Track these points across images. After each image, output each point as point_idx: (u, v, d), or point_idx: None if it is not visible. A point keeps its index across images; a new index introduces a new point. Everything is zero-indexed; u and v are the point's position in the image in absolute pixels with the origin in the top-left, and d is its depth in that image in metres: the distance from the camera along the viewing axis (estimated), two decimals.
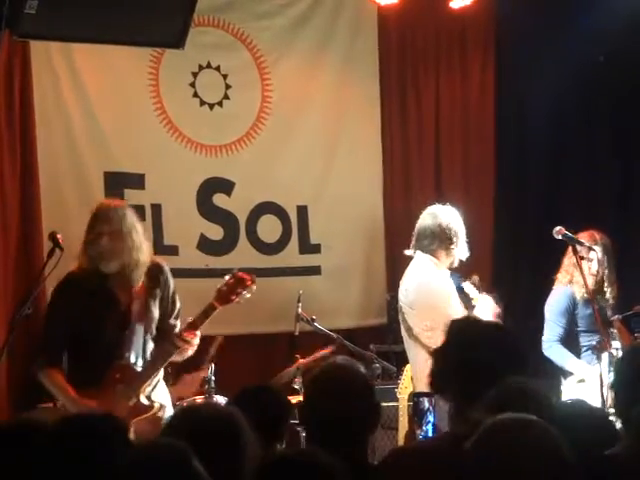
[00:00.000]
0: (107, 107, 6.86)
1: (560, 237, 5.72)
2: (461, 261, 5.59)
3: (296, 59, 7.45)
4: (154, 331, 5.00)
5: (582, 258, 5.78)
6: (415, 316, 5.37)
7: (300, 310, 6.21)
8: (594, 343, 5.95)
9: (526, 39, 7.73)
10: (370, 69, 7.69)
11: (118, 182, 6.79)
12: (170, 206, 6.96)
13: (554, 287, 6.19)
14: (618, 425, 3.22)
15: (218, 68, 7.23)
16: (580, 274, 5.76)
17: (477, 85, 7.99)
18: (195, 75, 7.15)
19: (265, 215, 7.34)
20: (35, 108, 6.58)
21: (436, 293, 5.35)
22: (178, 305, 5.11)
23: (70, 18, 5.30)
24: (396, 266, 7.01)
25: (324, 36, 7.54)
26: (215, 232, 7.20)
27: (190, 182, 7.14)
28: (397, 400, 5.91)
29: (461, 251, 5.50)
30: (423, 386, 5.19)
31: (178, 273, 5.45)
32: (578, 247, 5.76)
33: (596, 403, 5.07)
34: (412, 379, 5.66)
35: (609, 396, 5.03)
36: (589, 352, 6.01)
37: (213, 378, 5.55)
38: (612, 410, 3.57)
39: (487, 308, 5.53)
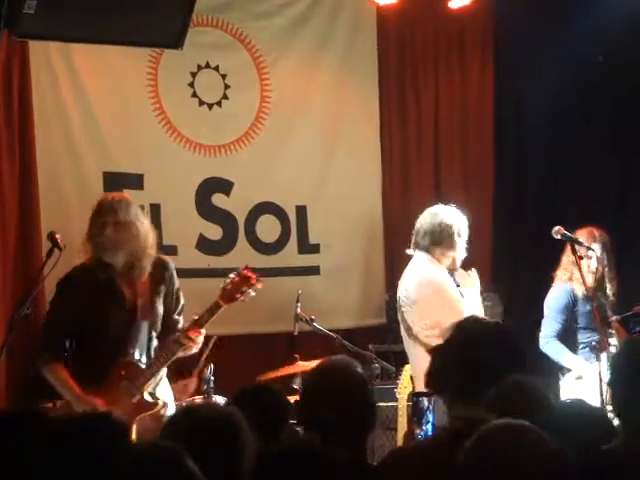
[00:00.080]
0: (106, 107, 6.86)
1: (559, 237, 5.74)
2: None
3: (295, 59, 7.45)
4: (159, 328, 5.01)
5: (581, 257, 5.79)
6: (415, 314, 5.36)
7: (299, 310, 6.21)
8: (593, 341, 5.96)
9: (525, 39, 7.74)
10: (369, 69, 7.69)
11: (117, 182, 6.78)
12: (169, 206, 6.95)
13: (554, 284, 6.20)
14: (616, 422, 3.22)
15: (217, 68, 7.23)
16: (579, 272, 5.76)
17: (476, 85, 7.99)
18: (194, 75, 7.15)
19: (264, 215, 7.34)
20: (34, 108, 6.58)
21: (436, 290, 5.35)
22: (182, 302, 5.12)
23: (69, 18, 5.30)
24: (395, 266, 7.01)
25: (323, 36, 7.54)
26: (214, 232, 7.20)
27: (189, 182, 7.14)
28: (396, 400, 5.91)
29: (460, 252, 5.49)
30: (423, 386, 5.21)
31: (177, 273, 5.44)
32: (577, 246, 5.77)
33: (594, 400, 5.08)
34: (411, 379, 5.65)
35: (607, 393, 5.03)
36: (587, 349, 6.02)
37: (212, 378, 5.55)
38: (610, 407, 3.58)
39: (474, 297, 5.53)
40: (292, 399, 4.25)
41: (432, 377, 3.36)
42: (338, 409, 3.08)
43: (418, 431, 3.49)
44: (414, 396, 3.57)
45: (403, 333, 5.51)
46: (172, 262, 5.14)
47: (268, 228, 7.36)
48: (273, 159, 7.39)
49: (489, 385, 3.03)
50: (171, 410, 4.84)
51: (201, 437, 2.65)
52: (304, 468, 2.44)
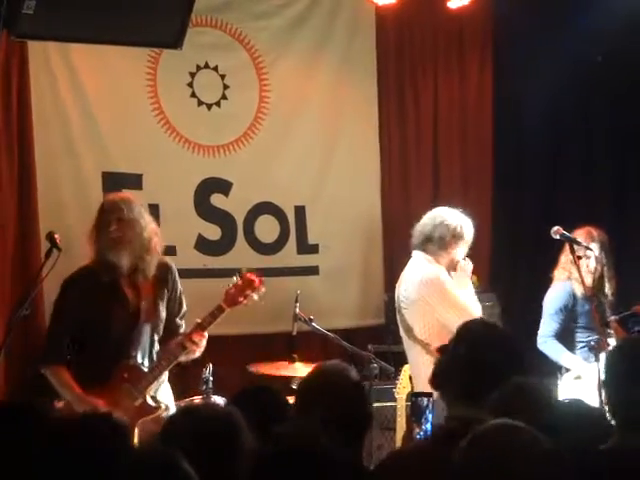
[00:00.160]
0: (105, 107, 6.85)
1: (558, 237, 5.74)
2: None
3: (294, 59, 7.45)
4: (161, 331, 5.00)
5: (580, 257, 5.79)
6: (416, 313, 5.35)
7: (298, 310, 6.20)
8: (591, 341, 5.96)
9: (524, 39, 7.74)
10: (368, 69, 7.69)
11: (116, 182, 6.78)
12: (168, 206, 6.95)
13: (553, 283, 6.19)
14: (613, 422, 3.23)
15: (216, 68, 7.23)
16: (578, 272, 5.76)
17: (475, 85, 8.00)
18: (193, 75, 7.15)
19: (263, 215, 7.34)
20: (33, 108, 6.57)
21: (437, 288, 5.33)
22: (184, 306, 5.12)
23: (68, 18, 5.30)
24: (394, 266, 7.01)
25: (322, 36, 7.54)
26: (213, 232, 7.20)
27: (188, 182, 7.14)
28: (395, 400, 5.91)
29: (458, 253, 5.47)
30: (423, 386, 5.20)
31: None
32: (575, 246, 5.77)
33: (593, 400, 5.08)
34: (410, 379, 5.65)
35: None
36: (585, 349, 6.02)
37: (211, 378, 5.55)
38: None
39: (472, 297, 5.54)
40: (291, 399, 4.25)
41: (437, 377, 3.37)
42: (333, 413, 3.08)
43: (417, 431, 3.48)
44: (413, 396, 3.56)
45: (403, 334, 5.51)
46: (174, 265, 5.13)
47: (267, 228, 7.36)
48: (272, 159, 7.39)
49: (492, 387, 3.04)
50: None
51: (200, 437, 2.65)
52: (303, 466, 2.44)
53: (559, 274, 6.17)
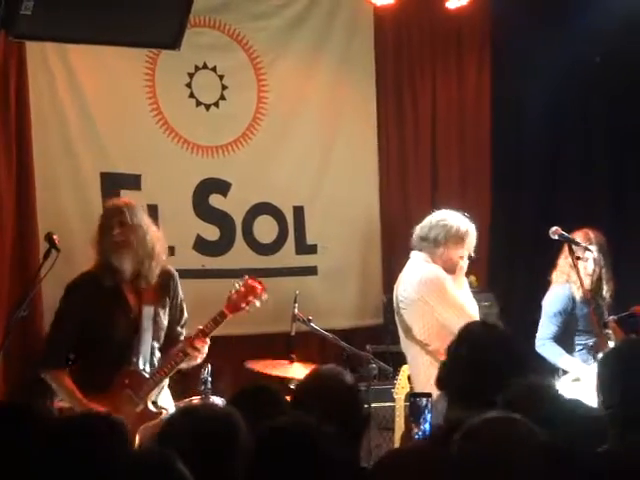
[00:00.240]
0: (103, 108, 6.85)
1: (556, 237, 5.73)
2: None
3: (292, 60, 7.45)
4: (161, 338, 5.00)
5: (578, 258, 5.78)
6: (415, 313, 5.34)
7: (296, 310, 6.20)
8: (590, 343, 5.96)
9: (522, 39, 7.74)
10: (366, 69, 7.69)
11: (114, 183, 6.79)
12: (166, 207, 6.95)
13: (552, 286, 6.19)
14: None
15: (214, 69, 7.23)
16: (577, 275, 5.76)
17: (473, 85, 8.00)
18: (191, 76, 7.15)
19: (261, 216, 7.34)
20: (31, 108, 6.58)
21: (436, 288, 5.31)
22: (185, 314, 5.11)
23: (66, 19, 5.29)
24: (392, 267, 7.00)
25: (320, 37, 7.54)
26: (211, 233, 7.20)
27: (186, 183, 7.14)
28: (393, 400, 5.91)
29: (453, 255, 5.44)
30: (422, 386, 5.20)
31: None
32: (574, 247, 5.77)
33: (592, 402, 5.07)
34: (409, 379, 5.65)
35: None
36: (584, 351, 6.02)
37: (209, 379, 5.54)
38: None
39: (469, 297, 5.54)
40: (290, 399, 4.25)
41: (442, 379, 3.39)
42: (329, 418, 3.08)
43: (416, 431, 3.48)
44: (412, 396, 3.56)
45: (401, 334, 5.50)
46: (177, 272, 5.13)
47: (265, 229, 7.36)
48: (270, 160, 7.39)
49: (493, 388, 3.05)
50: None
51: (200, 437, 2.66)
52: (299, 448, 2.45)
53: (557, 277, 6.16)
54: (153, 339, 4.95)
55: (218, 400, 5.31)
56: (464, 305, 5.32)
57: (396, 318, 5.53)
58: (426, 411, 3.39)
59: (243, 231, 7.28)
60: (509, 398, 2.96)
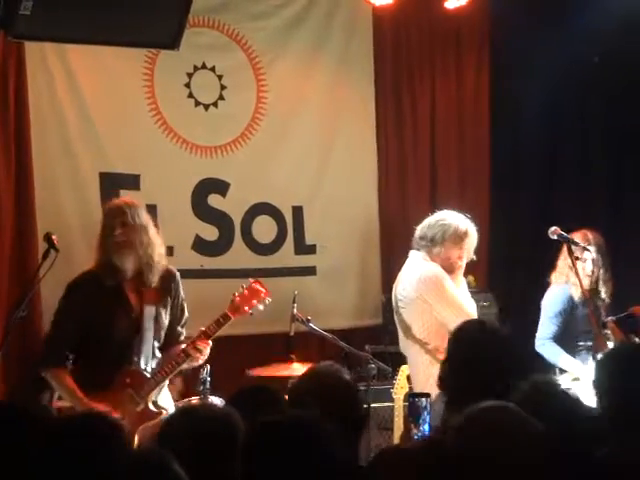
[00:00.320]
0: (102, 108, 6.85)
1: (555, 237, 5.73)
2: None
3: (291, 60, 7.45)
4: (162, 338, 5.00)
5: (577, 258, 5.78)
6: (414, 311, 5.34)
7: (295, 310, 6.20)
8: (589, 344, 5.96)
9: (521, 39, 7.74)
10: (365, 69, 7.70)
11: (113, 183, 6.79)
12: (165, 207, 6.94)
13: (551, 286, 6.19)
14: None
15: (213, 69, 7.23)
16: (576, 275, 5.76)
17: (472, 85, 8.00)
18: (190, 76, 7.15)
19: (260, 216, 7.35)
20: (30, 108, 6.58)
21: (435, 286, 5.31)
22: (186, 314, 5.12)
23: (65, 19, 5.29)
24: (391, 267, 7.00)
25: (319, 37, 7.54)
26: (210, 233, 7.20)
27: (185, 183, 7.15)
28: (392, 401, 5.91)
29: (452, 255, 5.44)
30: (421, 385, 5.21)
31: None
32: (573, 247, 5.77)
33: (590, 401, 5.07)
34: (408, 379, 5.65)
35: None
36: (584, 352, 6.02)
37: (208, 379, 5.54)
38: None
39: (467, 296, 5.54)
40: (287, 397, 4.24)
41: (442, 380, 3.39)
42: (328, 415, 3.08)
43: (415, 431, 3.48)
44: (411, 397, 3.57)
45: (401, 334, 5.50)
46: (178, 272, 5.13)
47: (264, 229, 7.36)
48: (269, 160, 7.40)
49: (489, 388, 3.04)
50: None
51: (199, 438, 2.66)
52: (298, 443, 2.45)
53: (556, 278, 6.16)
54: (154, 339, 4.95)
55: (217, 400, 5.31)
56: (463, 304, 5.32)
57: (395, 317, 5.53)
58: (425, 411, 3.39)
59: (242, 231, 7.28)
60: (518, 399, 2.95)
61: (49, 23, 5.27)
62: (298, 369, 5.76)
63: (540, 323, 6.13)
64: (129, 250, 4.83)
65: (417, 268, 5.40)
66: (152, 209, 6.82)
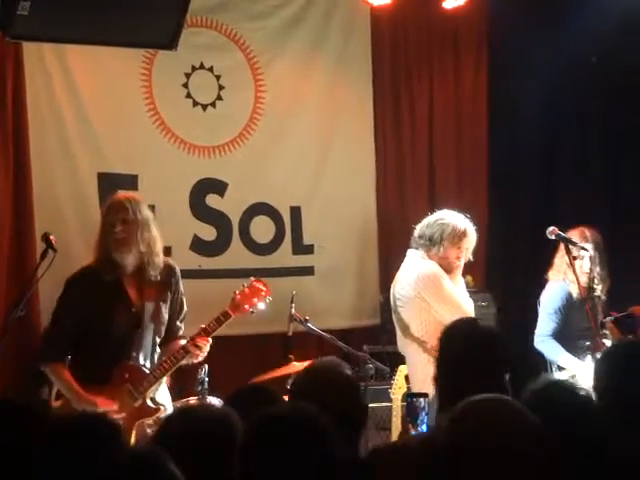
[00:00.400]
0: (100, 108, 6.85)
1: (553, 237, 5.74)
2: None
3: (289, 60, 7.45)
4: (162, 333, 5.00)
5: (575, 258, 5.79)
6: (412, 310, 5.34)
7: (293, 311, 6.20)
8: (587, 343, 5.96)
9: (519, 39, 7.74)
10: (363, 70, 7.70)
11: (111, 183, 6.78)
12: (163, 207, 6.93)
13: (549, 283, 6.18)
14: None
15: (211, 69, 7.23)
16: (573, 273, 5.77)
17: (470, 85, 8.00)
18: (188, 76, 7.15)
19: (258, 216, 7.34)
20: (28, 109, 6.58)
21: (433, 285, 5.32)
22: (185, 308, 5.12)
23: (62, 19, 5.30)
24: (389, 267, 7.00)
25: (317, 37, 7.54)
26: (208, 233, 7.20)
27: (183, 183, 7.14)
28: (390, 401, 5.91)
29: (449, 253, 5.44)
30: (419, 385, 5.21)
31: None
32: (570, 247, 5.77)
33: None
34: (406, 379, 5.65)
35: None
36: (582, 350, 6.01)
37: (207, 379, 5.54)
38: None
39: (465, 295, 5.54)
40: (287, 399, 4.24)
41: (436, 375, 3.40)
42: (329, 410, 3.08)
43: (413, 431, 3.49)
44: (409, 397, 3.57)
45: (399, 334, 5.50)
46: (177, 267, 5.13)
47: (262, 229, 7.36)
48: (267, 160, 7.39)
49: (483, 384, 3.04)
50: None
51: (197, 438, 2.66)
52: (299, 435, 2.45)
53: (554, 275, 6.16)
54: (154, 334, 4.95)
55: (215, 400, 5.31)
56: (461, 303, 5.32)
57: (393, 317, 5.53)
58: (423, 412, 3.39)
59: (240, 231, 7.28)
60: (526, 399, 2.94)
61: (47, 23, 5.28)
62: (296, 369, 5.76)
63: (539, 320, 6.12)
64: (128, 247, 4.83)
65: (415, 267, 5.40)
66: (150, 209, 6.82)
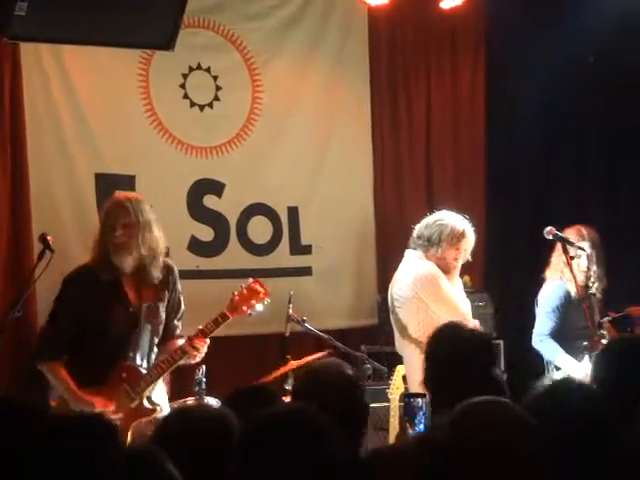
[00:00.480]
0: (97, 108, 6.85)
1: (551, 237, 5.75)
2: None
3: (286, 60, 7.45)
4: (160, 334, 4.99)
5: (572, 257, 5.79)
6: (410, 311, 5.34)
7: (291, 311, 6.21)
8: (585, 343, 5.96)
9: (516, 39, 7.74)
10: (360, 70, 7.69)
11: (109, 184, 6.77)
12: (160, 208, 6.84)
13: (547, 282, 6.17)
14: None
15: (208, 69, 7.22)
16: (570, 273, 5.76)
17: (467, 85, 8.00)
18: (185, 76, 7.14)
19: (256, 216, 7.34)
20: (25, 109, 6.57)
21: (431, 285, 5.32)
22: (182, 307, 5.11)
23: (60, 20, 5.30)
24: (387, 267, 7.01)
25: (314, 37, 7.54)
26: (205, 233, 7.19)
27: (180, 183, 7.14)
28: (388, 401, 5.90)
29: (447, 254, 5.44)
30: (417, 385, 5.19)
31: None
32: (567, 247, 5.77)
33: None
34: (404, 379, 5.65)
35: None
36: (580, 350, 6.01)
37: (204, 379, 5.54)
38: None
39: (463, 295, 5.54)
40: (285, 400, 4.24)
41: (425, 377, 3.39)
42: (330, 410, 3.08)
43: (410, 432, 3.49)
44: (406, 397, 3.57)
45: (397, 334, 5.50)
46: (176, 266, 5.12)
47: (260, 229, 7.35)
48: (265, 160, 7.39)
49: (471, 386, 3.04)
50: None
51: (195, 438, 2.65)
52: (298, 435, 2.45)
53: (551, 274, 6.16)
54: (152, 335, 4.95)
55: (212, 401, 5.30)
56: (458, 303, 5.33)
57: (391, 317, 5.53)
58: (421, 412, 3.39)
59: (237, 232, 7.27)
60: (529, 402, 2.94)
61: (44, 24, 5.28)
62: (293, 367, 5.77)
63: (537, 319, 6.12)
64: (128, 251, 4.82)
65: (413, 267, 5.41)
66: None
